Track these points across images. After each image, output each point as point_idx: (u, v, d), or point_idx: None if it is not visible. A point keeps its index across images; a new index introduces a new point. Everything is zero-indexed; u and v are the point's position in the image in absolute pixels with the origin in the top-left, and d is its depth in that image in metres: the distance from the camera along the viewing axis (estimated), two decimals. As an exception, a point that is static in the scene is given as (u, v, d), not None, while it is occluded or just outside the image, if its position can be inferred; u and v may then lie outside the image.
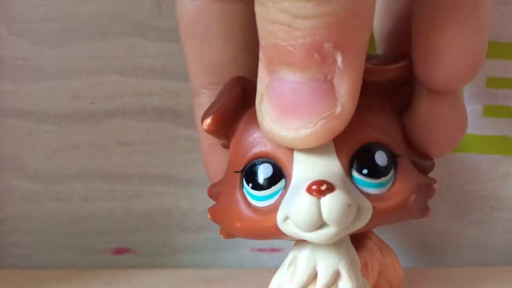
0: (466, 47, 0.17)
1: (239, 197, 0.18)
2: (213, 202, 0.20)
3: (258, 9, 0.15)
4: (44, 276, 0.27)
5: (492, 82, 0.27)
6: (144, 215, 0.29)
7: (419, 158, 0.19)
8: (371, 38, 0.17)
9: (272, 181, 0.17)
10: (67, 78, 0.27)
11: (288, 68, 0.15)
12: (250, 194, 0.18)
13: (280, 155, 0.17)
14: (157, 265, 0.29)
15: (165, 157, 0.28)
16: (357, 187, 0.17)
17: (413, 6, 0.18)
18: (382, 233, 0.21)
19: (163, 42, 0.26)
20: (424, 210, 0.19)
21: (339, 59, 0.15)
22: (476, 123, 0.27)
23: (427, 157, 0.19)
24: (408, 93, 0.19)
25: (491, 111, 0.27)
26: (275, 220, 0.17)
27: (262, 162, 0.18)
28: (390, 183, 0.17)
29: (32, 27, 0.26)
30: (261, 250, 0.29)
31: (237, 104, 0.18)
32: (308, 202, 0.16)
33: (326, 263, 0.18)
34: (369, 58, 0.16)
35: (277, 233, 0.17)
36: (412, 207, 0.18)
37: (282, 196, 0.17)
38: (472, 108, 0.27)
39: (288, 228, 0.17)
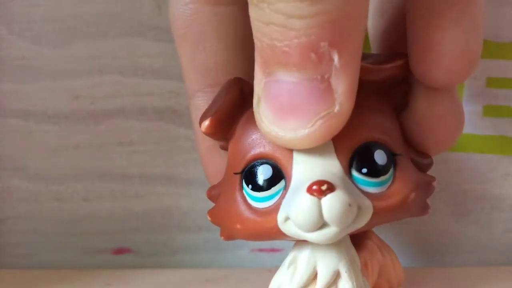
0: (461, 45, 0.17)
1: (239, 199, 0.18)
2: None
3: (253, 12, 0.15)
4: (44, 276, 0.27)
5: (492, 82, 0.27)
6: (144, 215, 0.29)
7: (418, 156, 0.19)
8: (365, 38, 0.17)
9: (272, 182, 0.17)
10: (67, 78, 0.27)
11: (284, 68, 0.15)
12: (250, 196, 0.18)
13: (280, 156, 0.17)
14: (157, 265, 0.29)
15: (165, 157, 0.28)
16: (357, 187, 0.17)
17: (407, 5, 0.18)
18: (382, 233, 0.21)
19: (163, 42, 0.26)
20: (423, 208, 0.19)
21: (335, 58, 0.15)
22: (476, 123, 0.27)
23: (426, 155, 0.19)
24: (405, 91, 0.19)
25: (491, 111, 0.27)
26: (276, 221, 0.17)
27: (262, 163, 0.18)
28: (390, 181, 0.17)
29: (32, 27, 0.26)
30: (261, 250, 0.29)
31: (235, 105, 0.18)
32: (308, 203, 0.16)
33: (326, 263, 0.18)
34: (365, 57, 0.16)
35: (278, 234, 0.17)
36: (412, 205, 0.18)
37: (282, 197, 0.17)
38: (472, 108, 0.27)
39: (289, 228, 0.17)
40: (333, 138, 0.16)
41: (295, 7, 0.14)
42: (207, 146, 0.21)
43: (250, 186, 0.18)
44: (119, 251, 0.29)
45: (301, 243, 0.18)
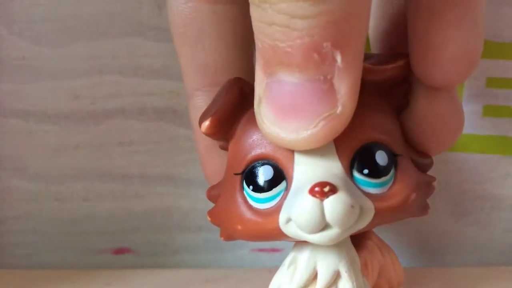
0: (462, 45, 0.17)
1: (240, 200, 0.18)
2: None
3: (254, 12, 0.15)
4: (44, 276, 0.27)
5: (492, 82, 0.27)
6: (144, 215, 0.29)
7: (418, 156, 0.19)
8: (366, 38, 0.17)
9: (273, 183, 0.17)
10: (67, 78, 0.27)
11: (286, 69, 0.15)
12: (250, 197, 0.18)
13: (281, 157, 0.17)
14: (157, 265, 0.29)
15: (165, 157, 0.28)
16: (358, 187, 0.17)
17: (408, 5, 0.18)
18: (382, 233, 0.21)
19: (163, 42, 0.26)
20: (424, 208, 0.19)
21: (338, 58, 0.15)
22: (476, 123, 0.27)
23: (426, 155, 0.19)
24: (406, 91, 0.19)
25: (491, 111, 0.27)
26: (277, 222, 0.17)
27: (263, 164, 0.18)
28: (391, 182, 0.17)
29: (32, 27, 0.26)
30: (261, 250, 0.29)
31: (235, 105, 0.18)
32: (311, 204, 0.16)
33: (326, 263, 0.18)
34: (366, 57, 0.16)
35: (279, 235, 0.17)
36: (413, 205, 0.18)
37: (283, 198, 0.17)
38: (472, 108, 0.27)
39: (290, 230, 0.17)
40: (335, 139, 0.16)
41: (298, 7, 0.14)
42: (206, 145, 0.21)
43: (251, 187, 0.18)
44: (119, 251, 0.29)
45: (301, 243, 0.18)
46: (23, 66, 0.27)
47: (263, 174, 0.17)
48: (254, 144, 0.18)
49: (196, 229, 0.29)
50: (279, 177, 0.17)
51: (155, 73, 0.27)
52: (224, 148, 0.19)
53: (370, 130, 0.17)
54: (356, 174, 0.17)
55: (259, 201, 0.17)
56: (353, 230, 0.17)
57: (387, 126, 0.18)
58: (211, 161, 0.21)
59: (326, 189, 0.16)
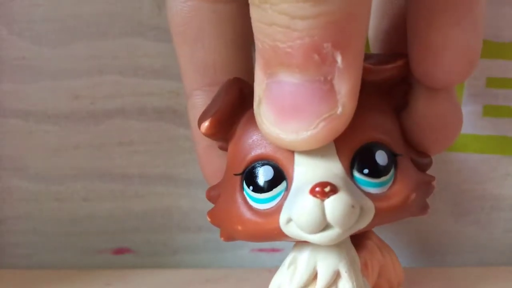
0: (462, 45, 0.17)
1: (240, 200, 0.18)
2: (213, 203, 0.20)
3: (254, 12, 0.15)
4: (44, 276, 0.27)
5: (492, 82, 0.27)
6: (144, 215, 0.29)
7: (417, 156, 0.19)
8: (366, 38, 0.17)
9: (273, 183, 0.17)
10: (67, 78, 0.27)
11: (286, 70, 0.15)
12: (251, 197, 0.18)
13: (281, 157, 0.17)
14: (157, 265, 0.29)
15: (165, 157, 0.28)
16: (358, 187, 0.17)
17: (408, 6, 0.18)
18: (382, 233, 0.21)
19: (163, 42, 0.26)
20: (423, 208, 0.19)
21: (338, 59, 0.15)
22: (476, 123, 0.27)
23: (425, 155, 0.19)
24: (405, 91, 0.19)
25: (491, 111, 0.27)
26: (278, 223, 0.17)
27: (263, 165, 0.18)
28: (391, 182, 0.17)
29: (32, 27, 0.26)
30: (261, 250, 0.29)
31: (235, 106, 0.18)
32: (312, 204, 0.16)
33: (326, 263, 0.18)
34: (366, 57, 0.16)
35: (280, 235, 0.17)
36: (412, 205, 0.18)
37: (284, 198, 0.17)
38: (472, 108, 0.27)
39: (291, 230, 0.17)
40: (335, 139, 0.16)
41: (298, 7, 0.14)
42: (205, 146, 0.21)
43: (251, 187, 0.18)
44: (119, 251, 0.29)
45: (301, 243, 0.18)
46: (23, 66, 0.27)
47: (263, 174, 0.17)
48: (254, 144, 0.18)
49: (196, 229, 0.29)
50: (279, 177, 0.17)
51: (155, 73, 0.27)
52: (223, 148, 0.19)
53: (370, 130, 0.18)
54: (356, 174, 0.17)
55: (259, 202, 0.17)
56: (354, 230, 0.17)
57: (387, 126, 0.18)
58: (210, 161, 0.21)
59: (327, 189, 0.16)
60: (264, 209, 0.17)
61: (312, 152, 0.17)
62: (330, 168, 0.17)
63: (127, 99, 0.27)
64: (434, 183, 0.19)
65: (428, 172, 0.20)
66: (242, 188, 0.18)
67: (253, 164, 0.18)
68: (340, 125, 0.16)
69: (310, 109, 0.15)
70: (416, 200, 0.18)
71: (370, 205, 0.17)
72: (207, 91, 0.21)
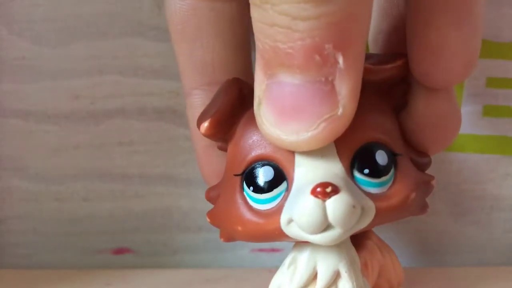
0: (462, 46, 0.17)
1: (240, 200, 0.18)
2: (213, 203, 0.20)
3: (255, 13, 0.15)
4: (44, 276, 0.27)
5: (492, 82, 0.27)
6: (144, 215, 0.29)
7: (417, 156, 0.19)
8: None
9: (273, 184, 0.17)
10: (67, 78, 0.27)
11: (287, 70, 0.15)
12: (251, 197, 0.18)
13: (281, 158, 0.17)
14: (157, 265, 0.29)
15: (165, 157, 0.28)
16: (359, 187, 0.17)
17: (408, 6, 0.18)
18: (382, 233, 0.21)
19: (163, 42, 0.26)
20: (423, 207, 0.19)
21: (340, 60, 0.15)
22: (476, 123, 0.27)
23: (425, 154, 0.19)
24: (404, 91, 0.19)
25: (491, 111, 0.27)
26: (279, 223, 0.17)
27: (263, 165, 0.17)
28: (391, 182, 0.18)
29: (32, 27, 0.26)
30: (261, 250, 0.29)
31: (234, 106, 0.18)
32: (313, 205, 0.16)
33: (326, 263, 0.18)
34: (366, 57, 0.16)
35: (281, 236, 0.17)
36: (412, 204, 0.18)
37: (284, 199, 0.17)
38: (472, 108, 0.27)
39: (292, 230, 0.17)
40: (335, 139, 0.16)
41: (300, 8, 0.14)
42: (204, 145, 0.21)
43: (251, 188, 0.18)
44: (119, 251, 0.29)
45: (301, 243, 0.18)
46: (23, 66, 0.27)
47: (264, 175, 0.17)
48: (254, 145, 0.18)
49: (196, 229, 0.29)
50: (280, 178, 0.17)
51: (155, 73, 0.27)
52: (223, 149, 0.19)
53: (370, 130, 0.18)
54: (356, 174, 0.17)
55: (260, 202, 0.17)
56: (355, 230, 0.17)
57: (387, 126, 0.18)
58: (209, 161, 0.21)
59: (329, 189, 0.16)
60: (265, 210, 0.17)
61: (312, 153, 0.17)
62: (331, 169, 0.17)
63: (127, 99, 0.27)
64: (434, 182, 0.19)
65: (428, 172, 0.20)
66: (242, 189, 0.18)
67: (253, 165, 0.18)
68: (340, 126, 0.16)
69: (310, 110, 0.15)
70: (416, 200, 0.18)
71: (370, 205, 0.17)
72: (206, 90, 0.21)
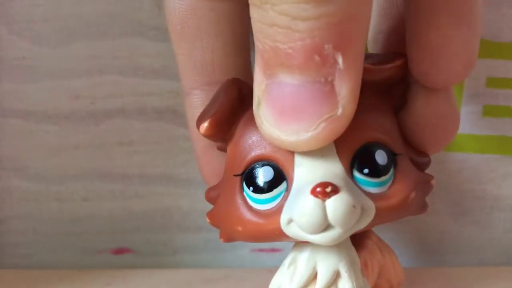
0: (461, 46, 0.17)
1: (240, 201, 0.18)
2: (213, 203, 0.20)
3: (255, 13, 0.15)
4: (44, 276, 0.27)
5: (492, 82, 0.27)
6: (144, 215, 0.29)
7: (416, 155, 0.19)
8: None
9: (273, 184, 0.17)
10: (67, 78, 0.27)
11: (286, 71, 0.15)
12: (251, 198, 0.18)
13: (281, 158, 0.17)
14: (157, 265, 0.29)
15: (165, 157, 0.28)
16: (359, 187, 0.17)
17: (407, 6, 0.18)
18: (382, 233, 0.22)
19: (163, 42, 0.26)
20: (422, 207, 0.19)
21: (339, 60, 0.15)
22: (476, 123, 0.27)
23: (424, 154, 0.19)
24: (403, 91, 0.19)
25: (491, 111, 0.27)
26: (279, 223, 0.17)
27: (263, 165, 0.17)
28: (390, 181, 0.18)
29: (32, 27, 0.26)
30: (261, 250, 0.29)
31: (234, 106, 0.18)
32: (313, 205, 0.16)
33: (326, 263, 0.18)
34: (365, 57, 0.16)
35: (281, 236, 0.17)
36: (412, 204, 0.18)
37: (284, 199, 0.17)
38: (472, 108, 0.27)
39: (292, 230, 0.17)
40: (335, 140, 0.16)
41: (300, 8, 0.14)
42: (203, 145, 0.21)
43: (251, 188, 0.18)
44: (119, 251, 0.29)
45: (301, 243, 0.18)
46: (23, 66, 0.27)
47: (263, 175, 0.17)
48: (254, 145, 0.18)
49: (196, 229, 0.29)
50: (280, 178, 0.17)
51: (155, 73, 0.27)
52: (222, 149, 0.19)
53: (370, 130, 0.18)
54: (356, 173, 0.17)
55: (260, 202, 0.17)
56: (355, 230, 0.17)
57: (386, 126, 0.18)
58: (209, 161, 0.21)
59: (328, 189, 0.16)
60: (265, 210, 0.17)
61: (312, 153, 0.17)
62: (331, 168, 0.17)
63: (127, 99, 0.27)
64: (433, 182, 0.19)
65: (428, 172, 0.20)
66: (242, 189, 0.18)
67: (253, 165, 0.18)
68: (340, 126, 0.16)
69: (310, 110, 0.15)
70: (416, 199, 0.18)
71: (370, 205, 0.17)
72: (205, 90, 0.21)
